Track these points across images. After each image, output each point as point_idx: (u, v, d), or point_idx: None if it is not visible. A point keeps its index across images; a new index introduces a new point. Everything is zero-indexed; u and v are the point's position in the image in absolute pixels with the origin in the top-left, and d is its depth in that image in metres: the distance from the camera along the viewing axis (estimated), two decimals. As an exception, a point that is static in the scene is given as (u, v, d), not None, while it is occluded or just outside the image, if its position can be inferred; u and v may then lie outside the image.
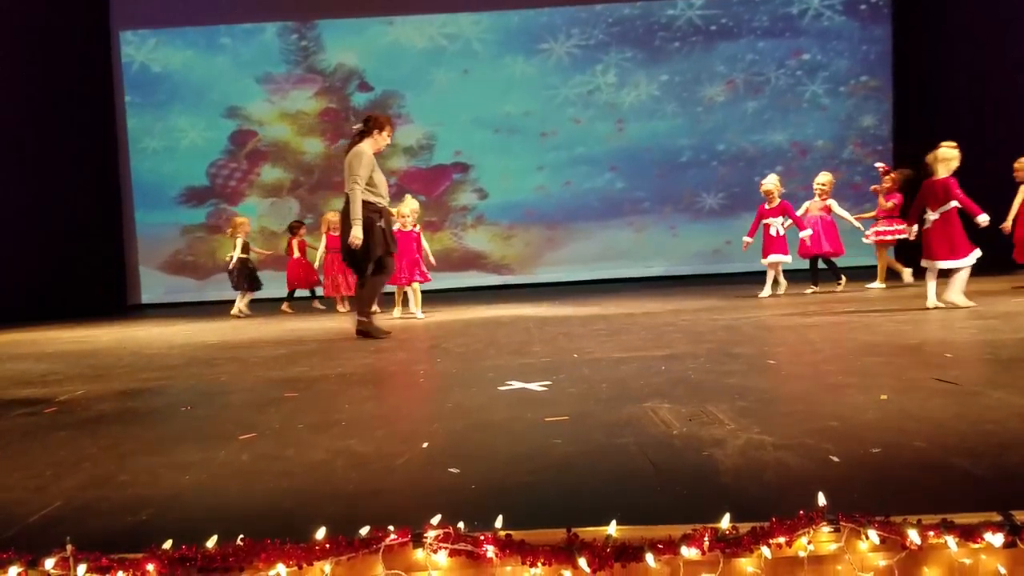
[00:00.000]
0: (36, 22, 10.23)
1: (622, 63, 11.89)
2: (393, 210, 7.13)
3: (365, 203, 5.39)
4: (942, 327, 4.56)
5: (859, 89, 11.82)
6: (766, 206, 7.60)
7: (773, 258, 7.47)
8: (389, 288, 7.66)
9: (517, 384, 3.37)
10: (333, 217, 8.31)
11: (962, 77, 9.94)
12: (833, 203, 7.88)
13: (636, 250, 11.82)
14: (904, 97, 11.44)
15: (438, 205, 11.71)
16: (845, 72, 11.81)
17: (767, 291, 7.48)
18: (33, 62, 10.14)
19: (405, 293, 7.54)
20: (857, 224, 7.86)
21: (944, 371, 3.18)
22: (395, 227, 6.48)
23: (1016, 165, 7.30)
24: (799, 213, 7.69)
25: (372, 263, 5.53)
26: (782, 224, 7.41)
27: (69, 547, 1.51)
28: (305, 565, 1.50)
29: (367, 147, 5.53)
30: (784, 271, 7.78)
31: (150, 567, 1.49)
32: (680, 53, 11.87)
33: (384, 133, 5.61)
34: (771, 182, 7.70)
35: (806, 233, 7.38)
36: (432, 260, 7.56)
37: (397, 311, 7.49)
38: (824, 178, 7.98)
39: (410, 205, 7.34)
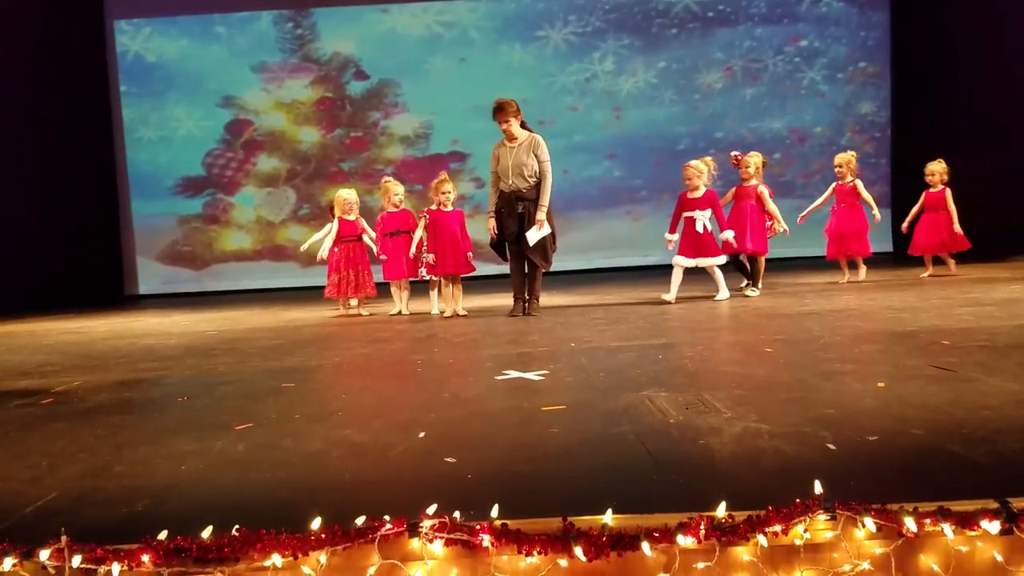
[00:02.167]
0: (30, 10, 10.14)
1: (619, 50, 11.83)
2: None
3: (499, 193, 5.82)
4: (939, 315, 4.56)
5: (857, 75, 11.77)
6: (689, 195, 6.17)
7: (703, 262, 6.13)
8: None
9: (514, 373, 3.37)
10: (349, 195, 6.75)
11: (960, 63, 9.91)
12: (764, 190, 6.55)
13: (634, 239, 11.80)
14: (902, 83, 11.41)
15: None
16: (843, 58, 11.75)
17: (673, 294, 6.18)
18: (27, 51, 10.07)
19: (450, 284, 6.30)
20: (782, 227, 6.55)
21: (941, 358, 3.18)
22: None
23: (837, 161, 7.10)
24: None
25: (511, 246, 5.85)
26: (709, 218, 6.11)
27: (64, 538, 1.50)
28: (301, 555, 1.50)
29: (498, 142, 5.85)
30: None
31: (145, 558, 1.48)
32: (678, 40, 11.81)
33: (496, 120, 5.80)
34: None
35: (728, 234, 6.13)
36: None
37: (438, 307, 6.45)
38: (753, 159, 6.61)
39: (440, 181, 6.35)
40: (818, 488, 1.58)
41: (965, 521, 1.51)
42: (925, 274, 7.18)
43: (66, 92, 10.71)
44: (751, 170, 6.55)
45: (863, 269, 7.13)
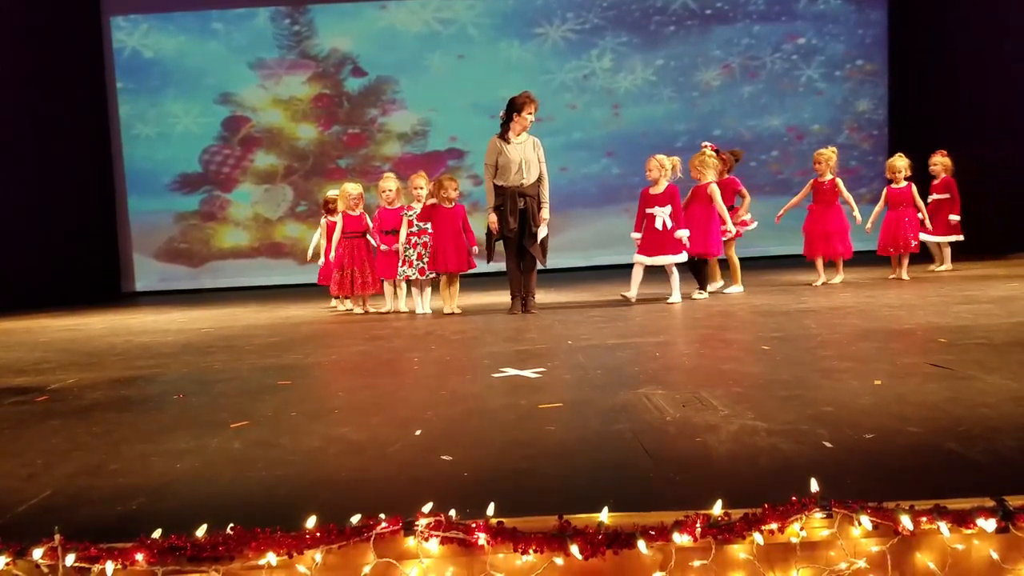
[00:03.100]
0: (27, 6, 10.10)
1: (618, 47, 11.81)
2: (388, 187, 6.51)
3: (496, 188, 5.82)
4: (936, 312, 4.56)
5: (855, 73, 11.77)
6: (650, 190, 6.05)
7: (660, 259, 5.94)
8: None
9: (512, 371, 3.36)
10: (355, 190, 6.57)
11: (958, 61, 9.91)
12: (714, 190, 6.33)
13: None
14: (900, 81, 11.41)
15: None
16: (841, 56, 11.75)
17: (634, 292, 6.09)
18: (24, 48, 10.03)
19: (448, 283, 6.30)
20: (731, 227, 6.47)
21: (938, 356, 3.18)
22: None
23: (816, 157, 6.89)
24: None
25: (496, 243, 5.87)
26: (669, 215, 5.91)
27: (57, 537, 1.50)
28: (296, 554, 1.49)
29: (500, 137, 5.80)
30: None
31: (139, 556, 1.48)
32: (676, 37, 11.80)
33: (524, 113, 5.72)
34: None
35: (683, 233, 5.91)
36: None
37: (422, 306, 6.36)
38: (698, 158, 6.48)
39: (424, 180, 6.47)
40: (814, 486, 1.58)
41: (961, 519, 1.51)
42: (892, 276, 7.03)
43: (63, 89, 10.66)
44: (701, 168, 6.41)
45: (841, 271, 6.93)
